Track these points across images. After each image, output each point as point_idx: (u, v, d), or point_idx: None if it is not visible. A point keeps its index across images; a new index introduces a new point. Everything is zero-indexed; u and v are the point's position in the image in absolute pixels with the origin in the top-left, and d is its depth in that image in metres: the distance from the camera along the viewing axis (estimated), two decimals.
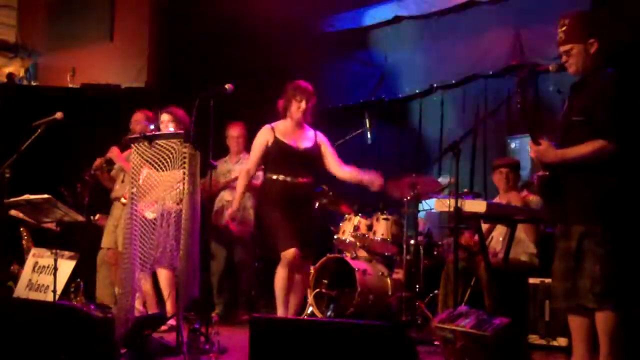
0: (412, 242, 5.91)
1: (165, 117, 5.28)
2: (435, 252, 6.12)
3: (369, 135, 6.65)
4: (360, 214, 6.07)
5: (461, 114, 7.10)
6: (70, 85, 7.80)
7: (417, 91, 7.39)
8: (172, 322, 4.54)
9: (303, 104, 4.82)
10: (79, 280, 5.67)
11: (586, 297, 3.31)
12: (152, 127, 5.07)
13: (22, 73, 8.15)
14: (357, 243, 5.99)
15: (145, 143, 4.10)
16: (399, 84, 7.47)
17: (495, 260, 4.92)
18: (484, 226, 4.94)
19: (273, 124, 4.88)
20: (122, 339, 3.77)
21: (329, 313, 5.73)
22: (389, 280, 5.80)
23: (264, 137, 4.83)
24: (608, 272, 3.28)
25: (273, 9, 7.15)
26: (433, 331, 4.22)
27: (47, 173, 6.64)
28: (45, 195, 5.05)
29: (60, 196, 5.34)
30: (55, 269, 5.12)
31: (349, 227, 6.03)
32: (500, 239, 5.24)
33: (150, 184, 4.09)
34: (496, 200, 5.36)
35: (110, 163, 5.83)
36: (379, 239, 5.86)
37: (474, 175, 6.83)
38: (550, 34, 6.06)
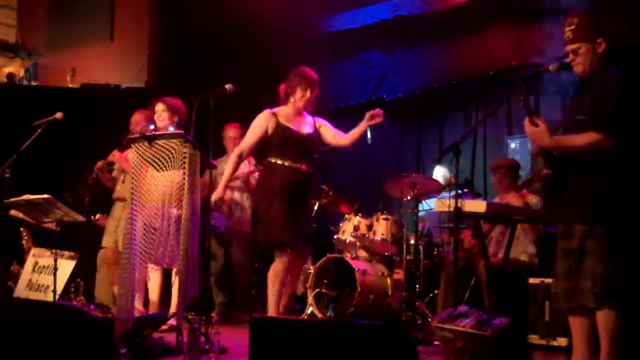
0: (412, 242, 5.92)
1: (159, 107, 5.29)
2: (435, 252, 6.13)
3: (369, 135, 6.64)
4: (360, 214, 6.08)
5: (461, 114, 7.10)
6: (70, 85, 7.81)
7: (417, 91, 7.40)
8: (172, 322, 4.54)
9: (308, 93, 4.75)
10: (79, 280, 5.68)
11: (587, 297, 3.31)
12: (152, 127, 5.06)
13: (22, 73, 8.15)
14: (357, 243, 5.99)
15: (145, 143, 4.10)
16: (399, 84, 7.48)
17: (495, 260, 4.92)
18: (484, 226, 4.95)
19: (274, 109, 4.79)
20: (122, 339, 3.77)
21: (329, 313, 5.72)
22: (389, 280, 5.80)
23: (264, 122, 4.72)
24: (609, 272, 3.27)
25: (273, 9, 7.15)
26: (433, 331, 4.22)
27: (47, 173, 6.65)
28: (45, 195, 5.05)
29: (61, 196, 5.34)
30: (55, 269, 5.13)
31: (349, 227, 6.03)
32: (500, 239, 5.24)
33: (152, 184, 4.09)
34: (496, 200, 5.37)
35: (111, 164, 5.83)
36: (379, 239, 5.86)
37: (474, 175, 6.83)
38: (550, 34, 6.12)
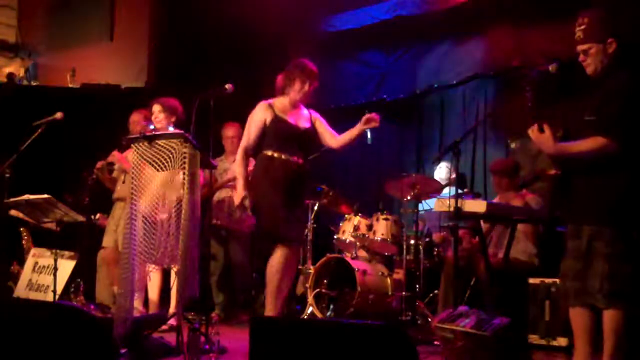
0: (412, 242, 5.92)
1: (155, 108, 5.28)
2: (435, 252, 6.13)
3: (369, 135, 6.64)
4: (360, 214, 6.08)
5: (461, 114, 7.10)
6: (70, 85, 7.81)
7: (417, 91, 7.39)
8: (172, 322, 4.54)
9: (307, 86, 4.66)
10: (79, 280, 5.68)
11: (596, 298, 3.31)
12: (152, 127, 5.06)
13: (22, 73, 8.15)
14: (357, 243, 5.99)
15: (145, 143, 4.10)
16: (399, 84, 7.48)
17: (495, 260, 4.92)
18: (484, 226, 4.94)
19: (270, 101, 4.69)
20: (122, 338, 3.77)
21: (329, 313, 5.72)
22: (389, 280, 5.80)
23: (262, 114, 4.64)
24: (617, 272, 3.28)
25: (273, 9, 7.15)
26: (433, 331, 4.22)
27: (47, 173, 6.65)
28: (45, 195, 5.05)
29: (61, 196, 5.34)
30: (55, 269, 5.13)
31: (349, 227, 6.03)
32: (500, 239, 5.23)
33: (152, 184, 4.09)
34: (496, 200, 5.36)
35: (111, 164, 5.83)
36: (379, 239, 5.86)
37: (474, 175, 6.83)
38: (550, 34, 6.12)
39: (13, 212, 5.62)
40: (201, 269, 4.23)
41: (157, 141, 4.07)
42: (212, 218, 6.12)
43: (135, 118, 5.72)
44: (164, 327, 4.56)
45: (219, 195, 6.17)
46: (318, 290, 5.76)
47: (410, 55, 7.36)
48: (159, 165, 4.02)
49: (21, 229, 6.12)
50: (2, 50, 8.24)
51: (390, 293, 5.75)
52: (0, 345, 3.32)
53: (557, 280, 4.79)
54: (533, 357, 4.37)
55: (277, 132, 4.60)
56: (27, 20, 8.42)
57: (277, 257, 4.54)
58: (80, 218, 5.29)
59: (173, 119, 5.24)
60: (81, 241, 5.84)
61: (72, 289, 5.63)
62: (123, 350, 3.75)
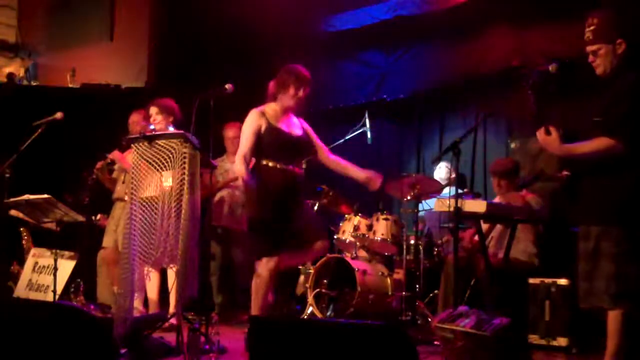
0: (412, 242, 5.92)
1: (152, 110, 5.28)
2: (435, 252, 6.13)
3: (369, 135, 6.65)
4: (360, 214, 6.07)
5: (461, 114, 7.10)
6: (70, 85, 7.81)
7: (417, 91, 7.39)
8: (172, 322, 4.54)
9: (301, 92, 4.49)
10: (79, 280, 5.68)
11: (602, 298, 3.32)
12: (152, 127, 5.07)
13: (22, 73, 8.15)
14: (357, 243, 5.99)
15: (145, 143, 4.10)
16: (399, 84, 7.48)
17: (495, 260, 4.92)
18: (484, 226, 4.94)
19: (261, 108, 4.52)
20: (122, 338, 3.77)
21: (329, 313, 5.72)
22: (389, 280, 5.80)
23: (256, 122, 4.45)
24: (623, 273, 3.29)
25: (273, 9, 7.15)
26: (433, 331, 4.22)
27: (47, 173, 6.65)
28: (45, 195, 5.06)
29: (61, 196, 5.35)
30: (55, 269, 5.13)
31: (349, 227, 6.03)
32: (500, 239, 5.23)
33: (152, 184, 4.09)
34: (496, 200, 5.36)
35: (111, 164, 5.83)
36: (379, 239, 5.86)
37: (474, 175, 6.82)
38: (550, 34, 6.12)
39: (13, 212, 5.62)
40: (201, 269, 4.22)
41: (157, 141, 4.08)
42: (213, 218, 6.13)
43: (135, 118, 5.72)
44: (164, 327, 4.56)
45: (220, 195, 6.17)
46: (318, 290, 5.76)
47: (410, 55, 7.36)
48: (159, 165, 4.02)
49: (21, 229, 6.12)
50: (2, 50, 8.24)
51: (390, 293, 5.75)
52: (0, 345, 3.32)
53: (557, 280, 4.81)
54: (533, 357, 4.37)
55: (272, 141, 4.44)
56: (27, 20, 8.42)
57: (260, 273, 4.36)
58: (80, 218, 5.29)
59: (171, 119, 5.24)
60: (81, 241, 5.85)
61: (72, 289, 5.63)
62: (123, 350, 3.75)
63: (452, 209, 4.16)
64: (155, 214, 4.02)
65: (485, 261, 4.63)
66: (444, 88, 7.18)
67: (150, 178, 4.09)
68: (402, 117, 7.62)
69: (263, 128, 4.44)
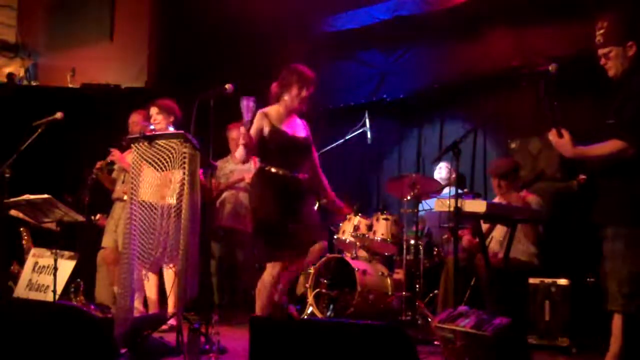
0: (412, 242, 5.92)
1: (153, 110, 5.29)
2: (435, 252, 6.13)
3: (369, 135, 6.65)
4: (360, 214, 6.08)
5: (461, 114, 7.10)
6: (70, 85, 7.81)
7: (417, 91, 7.40)
8: (172, 322, 4.54)
9: (304, 92, 4.39)
10: (79, 280, 5.68)
11: (614, 301, 3.34)
12: (152, 127, 5.07)
13: (22, 73, 8.15)
14: (357, 243, 5.99)
15: (145, 143, 4.10)
16: (399, 84, 7.48)
17: (495, 260, 4.92)
18: (484, 226, 4.94)
19: (264, 110, 4.40)
20: (122, 338, 3.77)
21: (329, 313, 5.72)
22: (389, 280, 5.80)
23: (258, 123, 4.34)
24: (635, 272, 3.30)
25: (273, 9, 7.15)
26: (433, 331, 4.22)
27: (47, 173, 6.65)
28: (45, 195, 5.06)
29: (61, 196, 5.35)
30: (55, 269, 5.12)
31: (349, 227, 6.03)
32: (500, 239, 5.24)
33: (152, 184, 4.09)
34: (496, 200, 5.36)
35: (111, 164, 5.83)
36: (379, 239, 5.86)
37: (474, 175, 6.83)
38: (550, 34, 6.12)
39: (13, 212, 5.62)
40: (201, 269, 4.22)
41: (157, 141, 4.07)
42: (216, 219, 6.13)
43: (135, 119, 5.72)
44: (164, 327, 4.56)
45: (225, 196, 6.16)
46: (318, 290, 5.76)
47: (410, 55, 7.36)
48: (159, 165, 4.02)
49: (21, 229, 6.12)
50: (2, 50, 8.24)
51: (390, 293, 5.75)
52: (0, 345, 3.32)
53: (557, 280, 4.81)
54: (533, 357, 4.37)
55: (276, 144, 4.34)
56: (27, 20, 8.42)
57: (267, 275, 4.34)
58: (80, 218, 5.29)
59: (171, 119, 5.24)
60: (81, 241, 5.84)
61: (72, 289, 5.63)
62: (123, 350, 3.75)
63: (452, 209, 4.16)
64: (155, 214, 4.02)
65: (485, 261, 4.63)
66: (444, 88, 7.18)
67: (156, 179, 4.09)
68: (402, 117, 7.62)
69: (266, 130, 4.35)
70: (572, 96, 5.43)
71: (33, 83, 8.18)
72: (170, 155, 3.99)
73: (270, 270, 4.32)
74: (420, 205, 5.93)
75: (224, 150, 6.32)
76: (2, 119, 6.94)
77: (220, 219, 6.15)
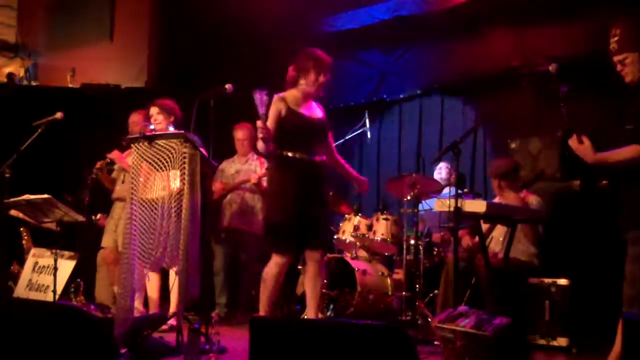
0: (412, 242, 5.92)
1: (153, 110, 5.28)
2: (435, 252, 6.12)
3: (369, 135, 6.65)
4: (360, 214, 6.07)
5: (461, 114, 7.10)
6: (70, 85, 7.81)
7: (417, 91, 7.40)
8: (172, 322, 4.54)
9: (322, 77, 4.41)
10: (79, 280, 5.68)
11: (631, 305, 3.34)
12: (151, 127, 5.07)
13: (22, 73, 8.15)
14: (357, 243, 5.99)
15: (145, 143, 4.10)
16: (399, 84, 7.48)
17: (495, 260, 4.92)
18: (484, 226, 4.94)
19: (281, 94, 4.38)
20: (122, 338, 3.77)
21: (329, 313, 5.72)
22: (389, 280, 5.80)
23: (276, 107, 4.31)
24: None
25: (273, 9, 7.15)
26: (433, 331, 4.22)
27: (47, 173, 6.65)
28: (45, 195, 5.06)
29: (60, 196, 5.35)
30: (55, 269, 5.12)
31: (349, 227, 6.03)
32: (500, 239, 5.24)
33: (152, 183, 4.09)
34: (496, 200, 5.36)
35: (111, 164, 5.83)
36: (379, 239, 5.86)
37: (474, 175, 6.83)
38: (550, 34, 6.12)
39: (13, 212, 5.62)
40: (202, 269, 4.22)
41: (157, 141, 4.08)
42: (222, 220, 6.13)
43: (135, 119, 5.72)
44: (164, 327, 4.56)
45: (231, 197, 6.16)
46: None
47: (410, 55, 7.36)
48: (159, 165, 4.02)
49: (21, 229, 6.12)
50: (2, 50, 8.24)
51: (390, 293, 5.75)
52: (0, 345, 3.32)
53: (557, 280, 4.82)
54: (533, 357, 4.37)
55: (292, 126, 4.30)
56: (27, 20, 8.42)
57: (273, 266, 4.34)
58: (80, 218, 5.29)
59: (172, 119, 5.24)
60: (81, 241, 5.84)
61: (72, 289, 5.63)
62: (123, 350, 3.75)
63: (452, 209, 4.16)
64: (155, 214, 4.03)
65: (485, 261, 4.63)
66: (444, 88, 7.19)
67: (155, 179, 4.09)
68: (402, 117, 7.62)
69: (283, 112, 4.32)
70: (573, 96, 5.42)
71: (33, 83, 8.18)
72: (170, 155, 4.00)
73: (276, 261, 4.32)
74: (420, 205, 5.92)
75: (224, 151, 6.31)
76: (2, 119, 6.93)
77: (225, 219, 6.14)
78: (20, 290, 5.59)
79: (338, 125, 7.09)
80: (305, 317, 5.57)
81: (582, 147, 3.49)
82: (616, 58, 3.47)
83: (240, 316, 5.99)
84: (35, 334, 3.30)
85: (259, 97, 4.11)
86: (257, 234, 6.12)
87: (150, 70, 8.04)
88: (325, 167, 4.49)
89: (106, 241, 5.76)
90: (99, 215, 6.13)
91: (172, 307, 4.88)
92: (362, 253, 6.12)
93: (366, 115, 6.76)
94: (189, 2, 7.89)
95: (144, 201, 4.07)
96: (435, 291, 5.66)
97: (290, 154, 4.30)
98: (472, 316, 3.68)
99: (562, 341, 4.68)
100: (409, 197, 5.81)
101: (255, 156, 6.20)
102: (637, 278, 3.33)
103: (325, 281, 5.82)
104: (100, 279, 5.89)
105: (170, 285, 4.99)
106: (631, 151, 3.37)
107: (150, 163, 4.05)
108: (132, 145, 4.22)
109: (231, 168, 6.23)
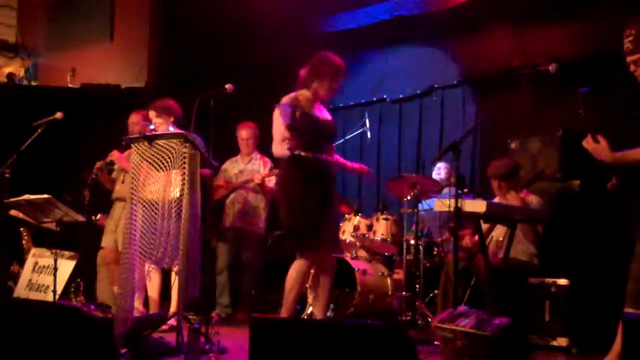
0: (412, 242, 5.92)
1: (151, 114, 5.27)
2: (435, 252, 6.12)
3: (369, 135, 6.65)
4: (360, 214, 6.07)
5: (461, 114, 7.11)
6: (70, 85, 7.81)
7: (417, 91, 7.40)
8: (172, 322, 4.53)
9: (336, 85, 4.46)
10: (79, 280, 5.68)
11: (635, 302, 3.34)
12: (151, 126, 5.07)
13: (22, 73, 8.15)
14: (357, 243, 5.99)
15: (145, 143, 4.10)
16: (399, 84, 7.48)
17: (495, 260, 4.92)
18: (484, 226, 4.94)
19: (293, 94, 4.43)
20: (122, 338, 3.77)
21: (329, 313, 5.72)
22: (389, 280, 5.80)
23: (290, 109, 4.36)
24: None
25: (273, 9, 7.15)
26: (433, 331, 4.21)
27: (47, 173, 6.66)
28: (45, 195, 5.06)
29: (60, 196, 5.35)
30: (55, 269, 5.13)
31: (349, 227, 6.03)
32: (500, 239, 5.24)
33: (152, 183, 4.09)
34: (496, 200, 5.36)
35: (110, 164, 5.83)
36: (379, 239, 5.86)
37: (474, 175, 6.83)
38: (550, 34, 6.12)
39: (13, 212, 5.62)
40: (203, 269, 4.22)
41: (157, 141, 4.07)
42: (225, 220, 6.13)
43: (134, 119, 5.71)
44: (164, 327, 4.56)
45: (234, 197, 6.16)
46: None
47: (410, 55, 7.36)
48: (159, 165, 4.02)
49: (21, 229, 6.12)
50: (2, 50, 8.24)
51: (390, 293, 5.75)
52: (0, 345, 3.33)
53: (557, 280, 4.82)
54: (533, 357, 4.37)
55: (307, 128, 4.33)
56: (27, 20, 8.42)
57: (300, 265, 4.38)
58: (80, 218, 5.29)
59: (172, 119, 5.23)
60: (81, 241, 5.84)
61: (72, 289, 5.63)
62: (123, 350, 3.75)
63: (452, 209, 4.16)
64: (156, 214, 4.02)
65: (485, 261, 4.63)
66: (444, 88, 7.19)
67: (155, 179, 4.09)
68: (402, 117, 7.62)
69: (297, 114, 4.35)
70: (572, 96, 5.42)
71: (33, 83, 8.18)
72: (170, 155, 3.99)
73: (301, 260, 4.36)
74: (420, 205, 5.92)
75: (224, 151, 6.31)
76: (2, 119, 6.93)
77: (228, 219, 6.14)
78: (20, 290, 5.59)
79: (338, 125, 7.09)
80: (305, 317, 5.57)
81: (598, 146, 3.47)
82: (630, 58, 3.45)
83: (240, 316, 6.00)
84: (36, 334, 3.30)
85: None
86: (260, 234, 6.13)
87: (150, 71, 8.03)
88: (334, 168, 4.54)
89: (106, 241, 5.76)
90: (99, 215, 6.12)
91: (173, 307, 4.88)
92: (362, 253, 6.12)
93: (366, 115, 6.76)
94: (189, 2, 7.89)
95: (144, 201, 4.06)
96: (435, 291, 5.65)
97: (303, 153, 4.30)
98: (472, 316, 3.67)
99: (562, 341, 4.68)
100: (409, 197, 5.81)
101: (259, 156, 6.20)
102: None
103: None
104: (101, 279, 5.89)
105: (172, 285, 4.99)
106: None
107: (150, 163, 4.05)
108: (132, 145, 4.22)
109: (234, 168, 6.23)
